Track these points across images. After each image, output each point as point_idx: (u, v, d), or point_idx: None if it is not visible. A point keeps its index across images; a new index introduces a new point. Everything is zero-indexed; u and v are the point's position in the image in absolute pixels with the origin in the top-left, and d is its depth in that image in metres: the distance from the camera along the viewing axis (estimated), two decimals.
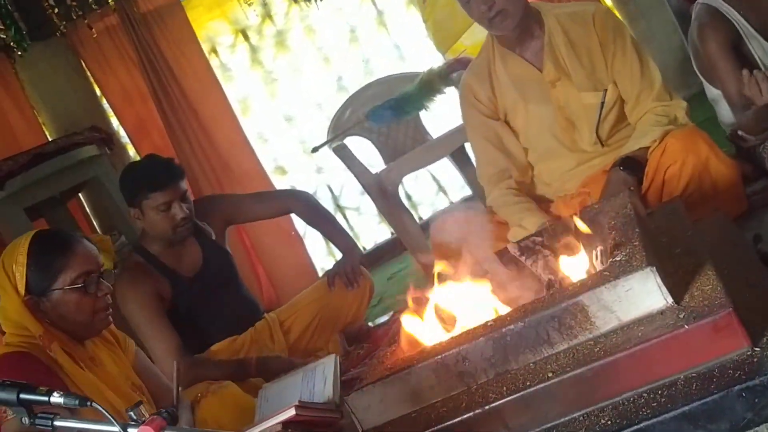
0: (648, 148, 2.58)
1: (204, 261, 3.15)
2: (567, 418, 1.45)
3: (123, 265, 3.32)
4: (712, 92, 2.97)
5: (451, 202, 5.39)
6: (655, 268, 1.46)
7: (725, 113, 2.96)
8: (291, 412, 2.06)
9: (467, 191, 4.79)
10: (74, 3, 4.35)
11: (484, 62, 2.77)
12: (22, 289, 2.12)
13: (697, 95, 3.49)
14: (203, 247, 3.17)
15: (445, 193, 5.48)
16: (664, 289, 1.46)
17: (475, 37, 4.67)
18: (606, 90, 2.63)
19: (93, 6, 4.60)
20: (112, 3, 4.66)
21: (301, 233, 4.98)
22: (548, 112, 2.68)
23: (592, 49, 2.64)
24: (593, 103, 2.64)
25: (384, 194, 4.08)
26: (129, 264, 3.12)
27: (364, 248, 5.33)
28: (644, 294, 1.47)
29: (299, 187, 5.34)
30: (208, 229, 3.22)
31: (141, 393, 2.29)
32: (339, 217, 5.17)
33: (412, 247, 4.03)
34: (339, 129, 4.40)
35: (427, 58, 5.06)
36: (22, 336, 2.11)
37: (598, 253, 1.67)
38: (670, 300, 1.46)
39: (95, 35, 4.67)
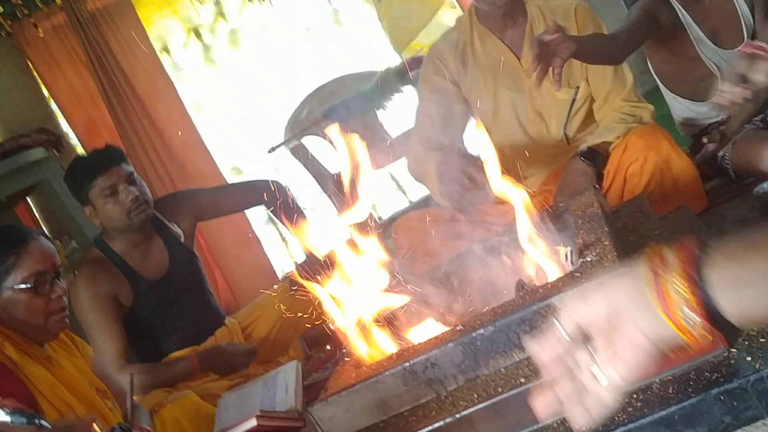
0: (610, 143, 2.58)
1: (170, 264, 3.02)
2: (540, 425, 1.40)
3: (80, 259, 3.17)
4: (668, 101, 3.00)
5: (411, 202, 5.35)
6: None
7: (678, 111, 2.99)
8: (252, 423, 2.01)
9: (426, 191, 4.76)
10: (20, 2, 4.21)
11: (460, 36, 2.75)
12: None
13: (652, 92, 3.52)
14: (170, 249, 3.04)
15: (404, 192, 5.45)
16: None
17: (431, 36, 4.64)
18: (578, 87, 2.64)
19: (39, 4, 4.47)
20: (59, 1, 4.52)
21: (259, 234, 4.89)
22: (519, 100, 2.68)
23: None
24: (565, 99, 2.65)
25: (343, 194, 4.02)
26: (87, 258, 2.98)
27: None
28: None
29: None
30: (177, 230, 3.09)
31: (105, 397, 2.20)
32: None
33: None
34: (296, 128, 4.34)
35: (384, 56, 5.02)
36: None
37: (568, 253, 1.64)
38: None
39: (42, 34, 4.52)
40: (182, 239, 3.10)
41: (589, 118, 2.71)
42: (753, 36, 2.76)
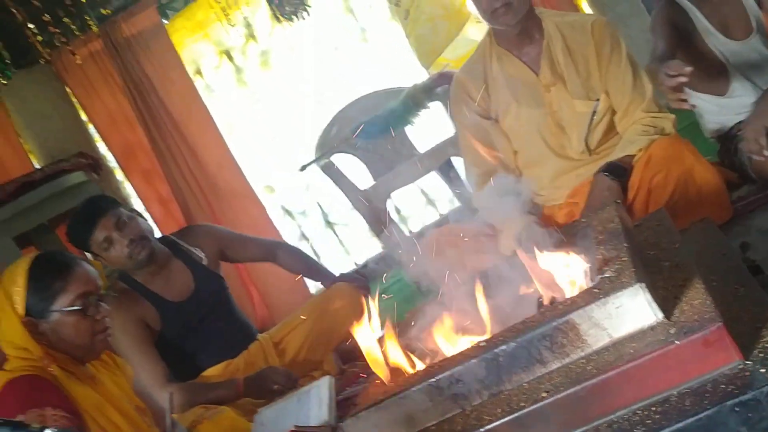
0: (633, 156, 2.60)
1: (195, 284, 3.14)
2: None
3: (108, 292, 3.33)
4: (695, 102, 3.01)
5: (441, 215, 5.40)
6: (644, 284, 1.46)
7: (708, 124, 3.00)
8: None
9: (456, 203, 4.80)
10: (57, 30, 4.35)
11: (479, 61, 2.79)
12: (21, 310, 2.11)
13: None
14: (194, 271, 3.16)
15: (434, 205, 5.49)
16: (654, 305, 1.46)
17: (457, 51, 4.69)
18: (598, 99, 2.66)
19: (76, 32, 4.62)
20: (96, 29, 4.67)
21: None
22: (540, 116, 2.71)
23: (589, 57, 2.67)
24: (585, 112, 2.67)
25: (373, 210, 4.09)
26: (113, 291, 3.10)
27: (356, 264, 5.33)
28: (635, 310, 1.47)
29: (288, 206, 5.36)
30: (199, 254, 3.20)
31: (144, 414, 2.28)
32: (329, 234, 5.16)
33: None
34: (326, 146, 4.41)
35: (412, 73, 5.08)
36: (25, 360, 2.10)
37: (587, 269, 1.67)
38: (660, 315, 1.46)
39: (79, 61, 4.67)
40: (204, 262, 3.20)
41: (611, 130, 2.73)
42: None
